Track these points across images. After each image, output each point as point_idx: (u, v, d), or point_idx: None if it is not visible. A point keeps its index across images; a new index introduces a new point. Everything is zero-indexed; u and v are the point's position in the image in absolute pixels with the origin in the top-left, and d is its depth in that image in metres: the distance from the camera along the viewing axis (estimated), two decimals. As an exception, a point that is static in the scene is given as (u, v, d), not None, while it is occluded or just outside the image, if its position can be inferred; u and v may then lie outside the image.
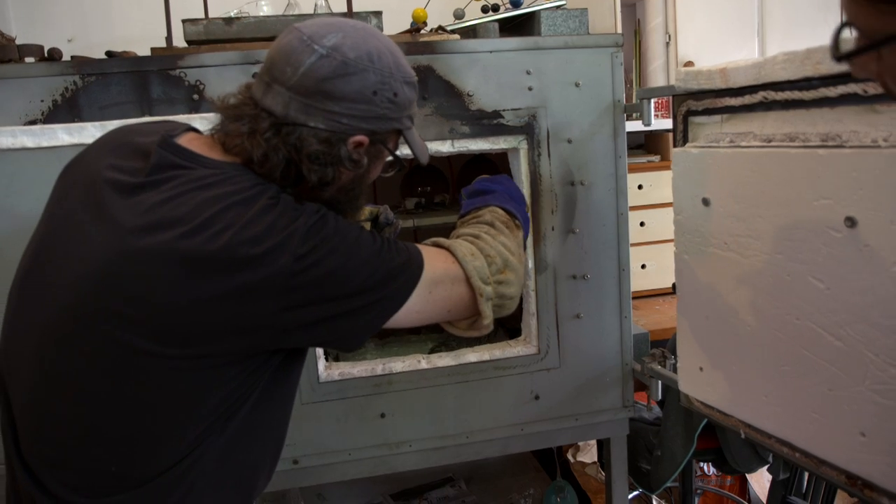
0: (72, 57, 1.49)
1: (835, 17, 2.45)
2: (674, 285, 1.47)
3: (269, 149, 0.93)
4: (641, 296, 2.31)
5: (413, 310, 1.00)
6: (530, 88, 1.56)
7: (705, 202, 1.33)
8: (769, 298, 1.22)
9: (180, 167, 0.92)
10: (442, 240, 1.13)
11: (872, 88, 1.00)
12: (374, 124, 0.98)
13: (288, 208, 0.92)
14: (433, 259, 1.04)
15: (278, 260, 0.87)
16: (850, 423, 1.09)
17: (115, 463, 0.90)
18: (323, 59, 0.93)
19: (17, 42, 1.73)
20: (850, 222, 1.03)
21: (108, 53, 1.50)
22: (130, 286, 0.86)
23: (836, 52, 0.58)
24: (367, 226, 1.32)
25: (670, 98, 2.30)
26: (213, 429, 0.93)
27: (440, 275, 1.04)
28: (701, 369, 1.42)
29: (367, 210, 1.36)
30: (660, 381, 1.67)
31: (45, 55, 1.46)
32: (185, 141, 0.97)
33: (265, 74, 0.97)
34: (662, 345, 1.83)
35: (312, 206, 0.95)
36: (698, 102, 1.37)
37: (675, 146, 1.43)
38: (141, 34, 2.16)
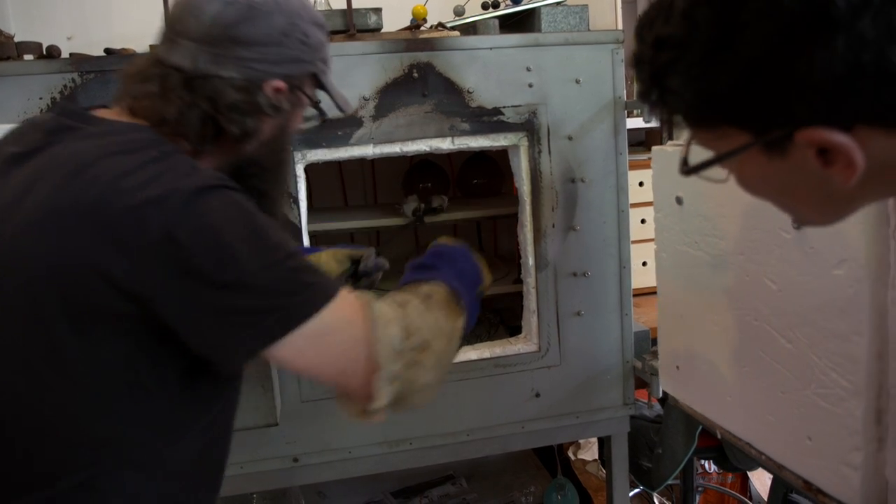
0: (70, 54, 1.48)
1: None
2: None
3: (184, 106, 0.88)
4: (642, 293, 2.30)
5: (298, 348, 0.83)
6: (530, 85, 1.56)
7: (678, 201, 1.33)
8: (732, 299, 1.22)
9: (72, 129, 0.87)
10: (365, 294, 0.92)
11: None
12: (288, 68, 0.94)
13: (181, 164, 0.83)
14: (343, 303, 0.85)
15: (157, 217, 0.76)
16: (799, 427, 1.09)
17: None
18: (227, 5, 0.90)
19: (16, 39, 1.72)
20: (797, 224, 1.03)
21: (108, 51, 1.50)
22: (17, 259, 0.80)
23: (685, 167, 0.67)
24: (338, 271, 1.26)
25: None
26: (114, 448, 0.84)
27: (341, 323, 0.85)
28: (677, 368, 1.43)
29: (346, 253, 1.29)
30: (660, 379, 1.66)
31: (44, 53, 1.45)
32: (91, 110, 0.92)
33: (168, 31, 0.93)
34: (663, 342, 1.83)
35: (218, 174, 0.85)
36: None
37: (661, 144, 1.43)
38: (140, 31, 2.14)
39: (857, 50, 0.53)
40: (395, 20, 1.78)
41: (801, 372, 1.07)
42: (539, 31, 1.67)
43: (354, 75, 1.48)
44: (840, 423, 1.01)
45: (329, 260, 1.27)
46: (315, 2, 1.81)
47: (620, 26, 1.79)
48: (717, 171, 0.67)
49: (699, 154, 0.66)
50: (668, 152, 1.35)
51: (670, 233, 1.38)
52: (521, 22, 1.76)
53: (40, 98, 1.38)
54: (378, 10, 1.60)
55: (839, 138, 0.56)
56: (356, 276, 1.26)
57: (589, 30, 1.71)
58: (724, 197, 1.21)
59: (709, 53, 0.57)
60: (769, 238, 1.11)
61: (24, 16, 2.33)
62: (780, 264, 1.10)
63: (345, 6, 1.56)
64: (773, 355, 1.13)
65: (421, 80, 1.51)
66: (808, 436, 1.07)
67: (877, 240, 0.93)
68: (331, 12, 1.58)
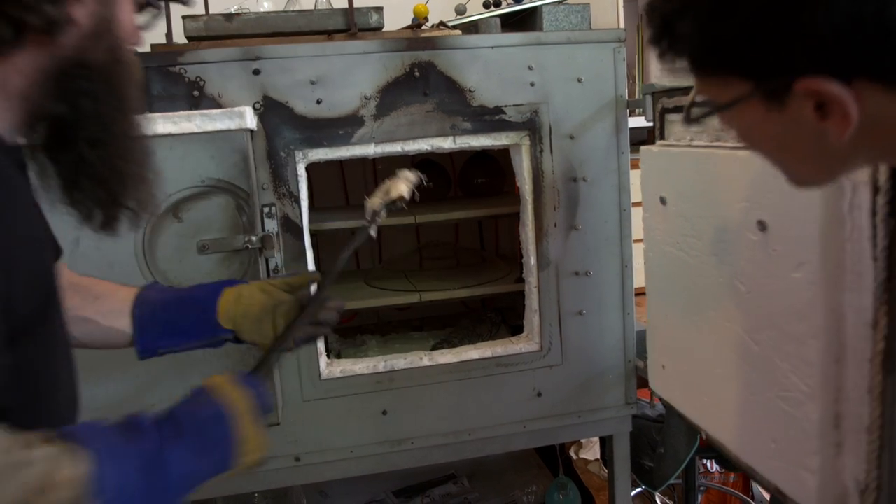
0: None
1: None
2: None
3: None
4: (644, 292, 2.30)
5: None
6: (532, 84, 1.56)
7: (662, 201, 1.33)
8: (708, 300, 1.22)
9: None
10: None
11: None
12: None
13: None
14: None
15: None
16: (765, 430, 1.09)
17: None
18: None
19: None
20: (762, 226, 1.02)
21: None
22: None
23: (688, 117, 0.72)
24: (268, 305, 1.02)
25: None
26: None
27: None
28: (663, 367, 1.43)
29: (281, 283, 1.03)
30: (649, 377, 1.66)
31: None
32: None
33: None
34: (665, 341, 1.82)
35: None
36: (670, 99, 1.36)
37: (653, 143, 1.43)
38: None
39: (859, 3, 0.55)
40: (396, 19, 1.78)
41: (766, 375, 1.07)
42: (541, 29, 1.67)
43: (356, 74, 1.48)
44: (799, 426, 1.00)
45: (253, 294, 1.03)
46: (316, 1, 1.81)
47: (622, 25, 1.79)
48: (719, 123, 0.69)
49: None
50: (655, 152, 1.35)
51: (655, 232, 1.38)
52: (523, 21, 1.76)
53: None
54: (379, 9, 1.60)
55: (836, 90, 0.58)
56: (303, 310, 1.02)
57: (591, 28, 1.71)
58: (699, 197, 1.21)
59: (717, 0, 0.60)
60: (738, 240, 1.11)
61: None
62: (748, 266, 1.09)
63: (346, 5, 1.56)
64: (743, 357, 1.13)
65: (422, 79, 1.51)
66: (773, 439, 1.07)
67: (832, 243, 0.92)
68: (332, 11, 1.58)
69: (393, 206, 1.09)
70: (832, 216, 0.91)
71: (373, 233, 1.08)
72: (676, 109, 1.34)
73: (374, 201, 1.09)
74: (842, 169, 0.70)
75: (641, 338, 1.75)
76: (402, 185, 1.10)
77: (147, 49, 1.54)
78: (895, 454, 0.91)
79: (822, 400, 0.96)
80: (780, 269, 1.01)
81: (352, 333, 2.06)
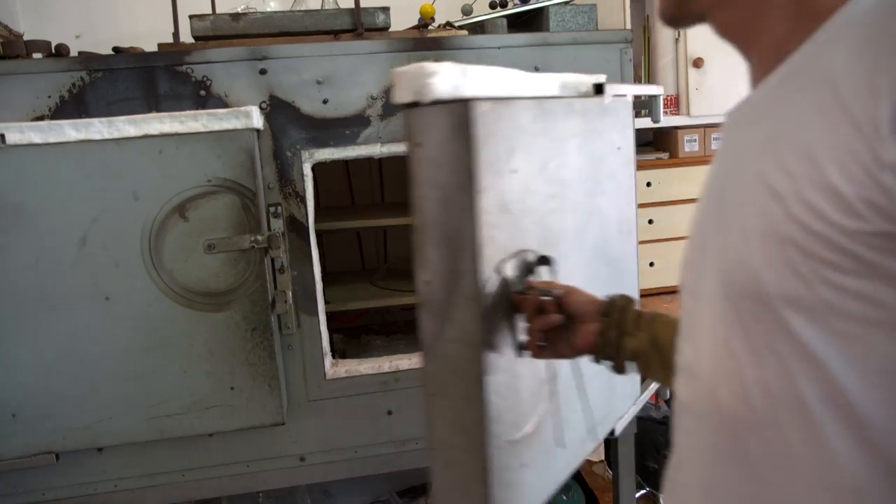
0: (79, 53, 1.48)
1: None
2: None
3: None
4: (650, 293, 2.29)
5: None
6: (539, 85, 1.55)
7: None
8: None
9: None
10: None
11: None
12: None
13: None
14: None
15: None
16: None
17: None
18: None
19: (25, 38, 1.73)
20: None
21: (116, 49, 1.50)
22: None
23: None
24: None
25: (678, 94, 2.29)
26: None
27: None
28: None
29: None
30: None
31: (53, 51, 1.45)
32: None
33: None
34: (671, 343, 1.82)
35: None
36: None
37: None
38: (148, 30, 2.16)
39: None
40: (403, 19, 1.77)
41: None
42: (547, 30, 1.67)
43: (362, 74, 1.48)
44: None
45: None
46: (323, 1, 1.81)
47: (629, 26, 1.78)
48: None
49: None
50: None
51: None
52: (530, 21, 1.75)
53: (49, 96, 1.38)
54: (386, 10, 1.60)
55: None
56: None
57: (597, 29, 1.70)
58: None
59: None
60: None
61: (33, 14, 2.34)
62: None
63: (353, 5, 1.56)
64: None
65: (429, 79, 1.50)
66: None
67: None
68: (339, 11, 1.58)
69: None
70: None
71: None
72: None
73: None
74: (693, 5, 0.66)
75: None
76: None
77: (154, 48, 1.54)
78: None
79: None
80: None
81: (357, 333, 2.06)
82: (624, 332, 0.93)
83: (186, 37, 1.56)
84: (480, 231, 0.79)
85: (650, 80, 2.39)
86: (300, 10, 1.59)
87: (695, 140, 2.34)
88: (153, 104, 1.42)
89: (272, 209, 1.46)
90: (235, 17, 1.55)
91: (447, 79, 0.78)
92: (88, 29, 2.36)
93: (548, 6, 1.68)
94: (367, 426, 1.59)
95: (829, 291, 0.51)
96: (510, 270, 0.89)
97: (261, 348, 1.42)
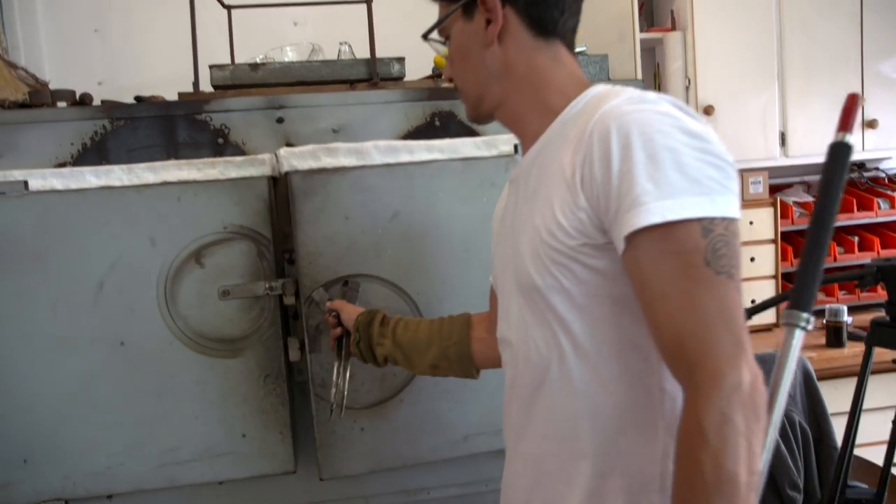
0: (102, 101, 1.52)
1: (855, 61, 2.46)
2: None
3: None
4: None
5: None
6: (551, 133, 1.57)
7: None
8: None
9: None
10: None
11: None
12: None
13: None
14: None
15: None
16: None
17: None
18: None
19: (49, 82, 1.77)
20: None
21: (137, 98, 1.54)
22: None
23: (425, 34, 1.01)
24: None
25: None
26: None
27: None
28: None
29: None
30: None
31: (77, 100, 1.49)
32: None
33: None
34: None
35: None
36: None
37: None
38: (168, 76, 2.21)
39: None
40: (417, 69, 1.81)
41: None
42: (560, 80, 1.69)
43: (378, 123, 1.50)
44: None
45: None
46: (340, 51, 1.85)
47: (639, 76, 1.81)
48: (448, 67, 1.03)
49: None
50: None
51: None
52: (542, 71, 1.78)
53: (71, 143, 1.41)
54: (401, 60, 1.63)
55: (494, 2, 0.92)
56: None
57: (609, 78, 1.73)
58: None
59: None
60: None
61: (58, 61, 2.40)
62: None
63: (368, 55, 1.60)
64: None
65: (442, 127, 1.53)
66: None
67: None
68: (355, 61, 1.62)
69: None
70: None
71: None
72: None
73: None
74: (491, 93, 0.97)
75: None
76: None
77: (174, 94, 1.57)
78: None
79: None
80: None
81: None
82: (370, 343, 1.28)
83: (206, 86, 1.60)
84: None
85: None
86: (317, 61, 1.62)
87: (706, 186, 2.35)
88: (172, 152, 1.45)
89: (287, 256, 1.47)
90: (254, 67, 1.59)
91: (306, 156, 1.38)
92: (110, 75, 2.43)
93: (560, 57, 1.70)
94: (379, 476, 1.57)
95: (567, 281, 0.87)
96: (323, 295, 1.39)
97: (273, 395, 1.42)
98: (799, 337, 0.88)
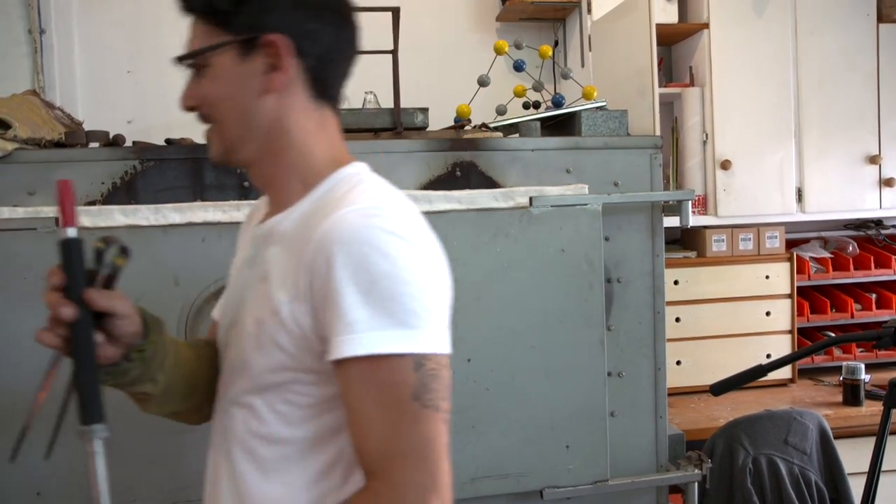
0: (133, 142, 1.57)
1: (872, 119, 2.47)
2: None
3: None
4: (676, 392, 2.26)
5: None
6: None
7: None
8: None
9: None
10: None
11: None
12: None
13: None
14: None
15: None
16: None
17: None
18: None
19: (82, 120, 1.83)
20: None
21: (168, 141, 1.58)
22: None
23: (181, 57, 0.89)
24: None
25: (706, 195, 2.32)
26: None
27: None
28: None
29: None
30: (696, 485, 1.62)
31: (110, 140, 1.54)
32: None
33: None
34: (698, 446, 1.78)
35: None
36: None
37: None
38: (195, 117, 2.27)
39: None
40: (440, 119, 1.85)
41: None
42: (579, 134, 1.73)
43: (400, 171, 1.54)
44: None
45: None
46: (365, 99, 1.90)
47: (658, 131, 1.84)
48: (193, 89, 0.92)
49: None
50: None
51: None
52: (562, 124, 1.81)
53: (102, 182, 1.45)
54: (425, 110, 1.67)
55: (285, 47, 0.86)
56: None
57: (628, 134, 1.76)
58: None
59: None
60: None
61: (91, 101, 2.48)
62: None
63: (393, 105, 1.64)
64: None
65: (464, 177, 1.56)
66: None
67: None
68: (380, 110, 1.66)
69: None
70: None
71: None
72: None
73: None
74: (248, 148, 0.90)
75: (673, 442, 1.71)
76: None
77: (202, 136, 1.62)
78: None
79: None
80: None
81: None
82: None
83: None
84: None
85: (678, 180, 2.43)
86: (343, 109, 1.66)
87: (722, 240, 2.36)
88: (199, 193, 1.48)
89: (306, 298, 1.49)
90: (282, 113, 1.63)
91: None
92: (140, 114, 2.50)
93: (580, 111, 1.74)
94: None
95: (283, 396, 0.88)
96: None
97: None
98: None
